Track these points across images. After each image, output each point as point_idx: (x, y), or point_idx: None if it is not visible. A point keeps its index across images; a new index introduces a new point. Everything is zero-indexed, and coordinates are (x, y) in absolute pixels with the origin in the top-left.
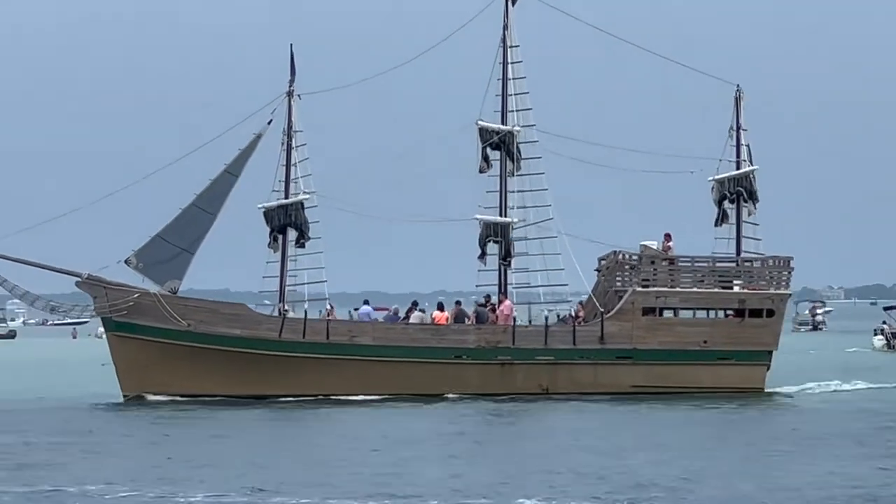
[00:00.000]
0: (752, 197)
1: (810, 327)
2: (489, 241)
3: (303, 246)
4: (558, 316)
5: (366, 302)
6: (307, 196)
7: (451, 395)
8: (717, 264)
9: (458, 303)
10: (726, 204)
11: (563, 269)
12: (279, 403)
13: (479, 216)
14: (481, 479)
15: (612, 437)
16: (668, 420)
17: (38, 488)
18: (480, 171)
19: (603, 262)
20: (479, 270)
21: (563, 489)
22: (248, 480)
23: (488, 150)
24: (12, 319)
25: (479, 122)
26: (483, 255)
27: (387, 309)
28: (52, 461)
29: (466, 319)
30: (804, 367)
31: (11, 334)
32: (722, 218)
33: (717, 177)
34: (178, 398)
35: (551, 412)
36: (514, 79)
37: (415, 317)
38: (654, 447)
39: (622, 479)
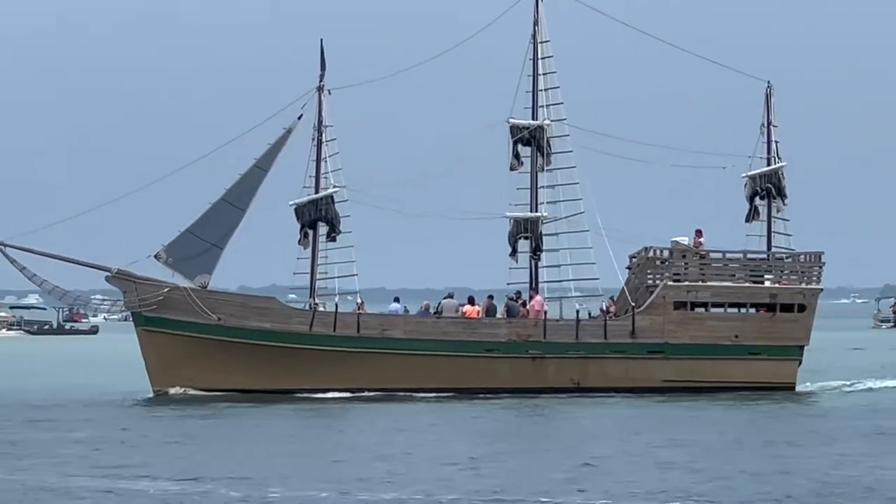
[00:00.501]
0: (781, 193)
1: (892, 324)
2: (519, 237)
3: (334, 240)
4: (589, 314)
5: (396, 299)
6: (337, 189)
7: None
8: (748, 258)
9: (490, 297)
10: (757, 200)
11: (594, 264)
12: (324, 400)
13: (509, 213)
14: (550, 476)
15: (675, 435)
16: (729, 418)
17: (116, 486)
18: (511, 169)
19: (634, 259)
20: (510, 268)
21: (640, 488)
22: (329, 476)
23: (519, 146)
24: (94, 315)
25: (510, 120)
26: (514, 253)
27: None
28: (128, 457)
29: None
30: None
31: (94, 330)
32: (753, 214)
33: (749, 173)
34: (211, 393)
35: (607, 408)
36: (544, 74)
37: (446, 304)
38: (727, 446)
39: (698, 478)
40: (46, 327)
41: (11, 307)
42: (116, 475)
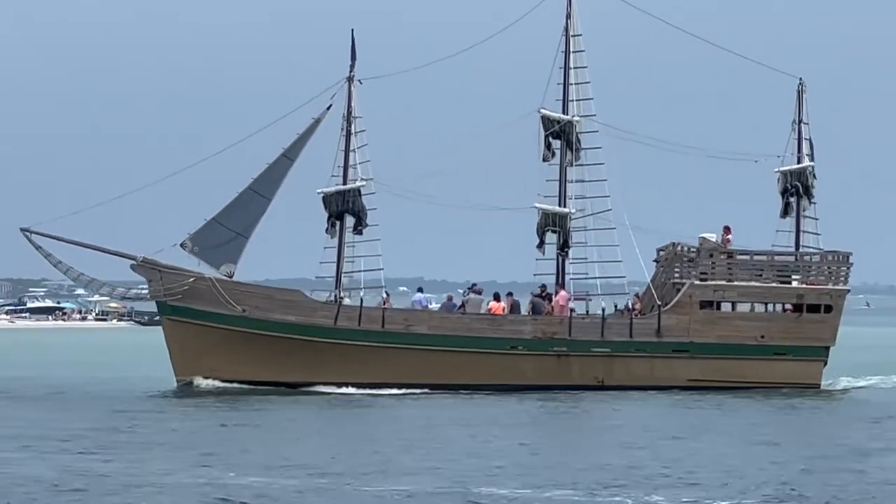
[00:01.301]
0: (808, 193)
1: None
2: (547, 230)
3: (360, 233)
4: (616, 306)
5: (420, 289)
6: (364, 183)
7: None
8: (776, 258)
9: (509, 294)
10: (789, 196)
11: (620, 262)
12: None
13: (537, 205)
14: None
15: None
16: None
17: (218, 480)
18: (544, 160)
19: (662, 253)
20: (536, 259)
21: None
22: (435, 466)
23: (550, 137)
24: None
25: (542, 111)
26: (541, 245)
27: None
28: (238, 447)
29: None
30: None
31: None
32: (786, 210)
33: (781, 169)
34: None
35: (651, 403)
36: (575, 68)
37: (472, 300)
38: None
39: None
40: (157, 318)
41: (123, 298)
42: (226, 465)
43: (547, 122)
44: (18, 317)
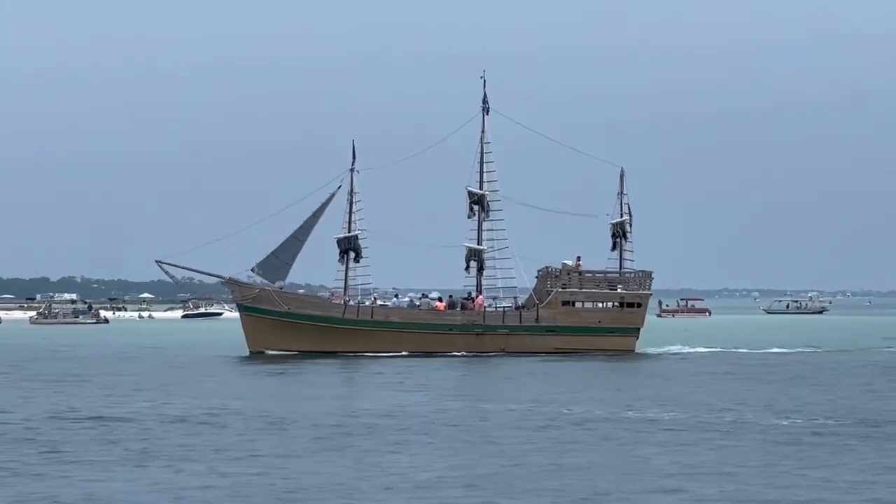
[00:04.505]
0: (625, 236)
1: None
2: (471, 259)
3: (358, 262)
4: (514, 302)
5: (395, 296)
6: (360, 231)
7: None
8: (608, 275)
9: (450, 296)
10: (615, 238)
11: (514, 278)
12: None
13: (465, 244)
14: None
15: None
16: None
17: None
18: (468, 217)
19: (539, 272)
20: (465, 276)
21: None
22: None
23: (472, 203)
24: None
25: (467, 188)
26: (468, 268)
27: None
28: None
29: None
30: None
31: None
32: (614, 246)
33: (612, 221)
34: (287, 352)
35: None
36: (488, 162)
37: (424, 301)
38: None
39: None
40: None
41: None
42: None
43: (470, 193)
44: None
